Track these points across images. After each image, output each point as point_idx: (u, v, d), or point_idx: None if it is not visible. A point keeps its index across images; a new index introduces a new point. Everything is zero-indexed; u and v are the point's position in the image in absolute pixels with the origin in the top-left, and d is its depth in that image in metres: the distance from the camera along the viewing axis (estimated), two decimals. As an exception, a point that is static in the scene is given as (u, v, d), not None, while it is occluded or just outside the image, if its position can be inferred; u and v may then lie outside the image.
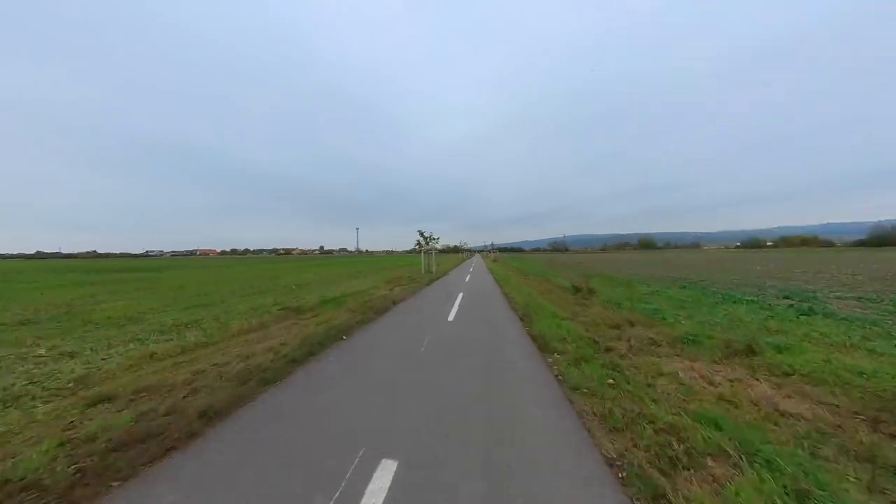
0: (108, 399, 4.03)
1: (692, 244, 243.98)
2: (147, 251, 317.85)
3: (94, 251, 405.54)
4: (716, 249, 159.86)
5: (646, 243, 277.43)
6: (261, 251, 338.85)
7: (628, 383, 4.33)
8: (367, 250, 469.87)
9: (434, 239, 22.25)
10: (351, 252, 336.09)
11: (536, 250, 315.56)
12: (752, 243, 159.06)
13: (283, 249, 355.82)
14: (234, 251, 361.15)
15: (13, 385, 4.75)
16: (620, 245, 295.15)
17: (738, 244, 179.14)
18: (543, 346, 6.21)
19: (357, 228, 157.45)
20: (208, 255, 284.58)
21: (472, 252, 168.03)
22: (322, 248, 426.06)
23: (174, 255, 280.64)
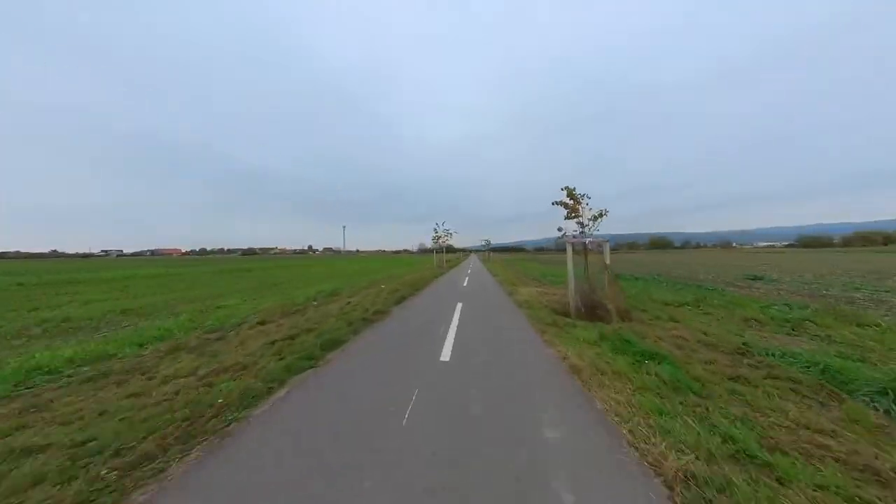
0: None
1: (722, 243, 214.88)
2: (103, 250, 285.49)
3: (55, 250, 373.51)
4: (750, 250, 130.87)
5: (658, 242, 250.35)
6: (235, 250, 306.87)
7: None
8: (357, 250, 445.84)
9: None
10: (335, 251, 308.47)
11: (540, 250, 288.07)
12: (815, 241, 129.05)
13: (259, 249, 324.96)
14: (203, 250, 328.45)
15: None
16: (631, 245, 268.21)
17: (790, 242, 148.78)
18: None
19: (343, 227, 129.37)
20: (171, 254, 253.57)
21: (467, 252, 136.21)
22: (310, 246, 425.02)
23: (121, 255, 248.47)
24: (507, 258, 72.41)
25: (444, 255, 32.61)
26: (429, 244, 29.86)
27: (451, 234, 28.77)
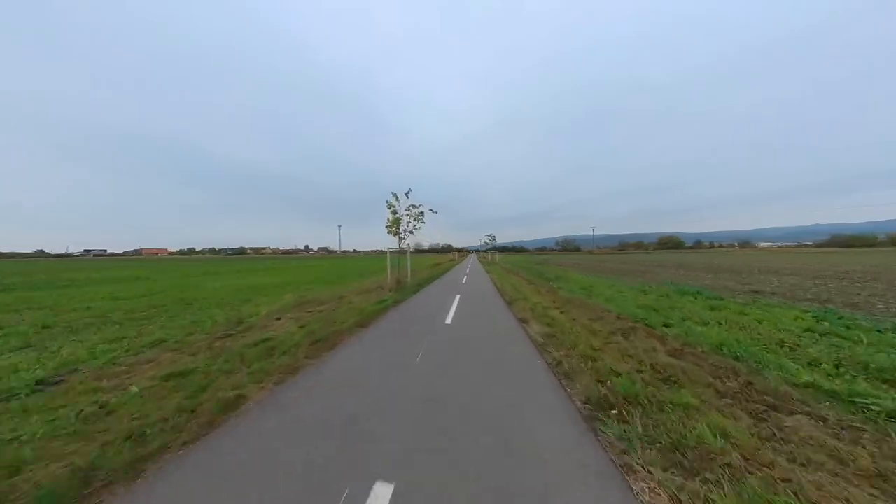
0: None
1: (740, 242, 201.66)
2: (85, 250, 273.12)
3: (41, 250, 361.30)
4: (773, 250, 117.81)
5: (667, 241, 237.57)
6: (224, 250, 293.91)
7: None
8: (353, 250, 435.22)
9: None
10: (331, 251, 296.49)
11: (541, 250, 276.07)
12: (856, 240, 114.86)
13: (252, 248, 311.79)
14: (191, 250, 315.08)
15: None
16: (638, 244, 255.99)
17: (825, 241, 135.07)
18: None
19: (339, 226, 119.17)
20: (157, 254, 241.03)
21: (465, 253, 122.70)
22: (307, 246, 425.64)
23: (98, 255, 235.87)
24: (516, 259, 58.51)
25: (407, 261, 15.88)
26: (425, 244, 16.00)
27: (421, 213, 13.64)
